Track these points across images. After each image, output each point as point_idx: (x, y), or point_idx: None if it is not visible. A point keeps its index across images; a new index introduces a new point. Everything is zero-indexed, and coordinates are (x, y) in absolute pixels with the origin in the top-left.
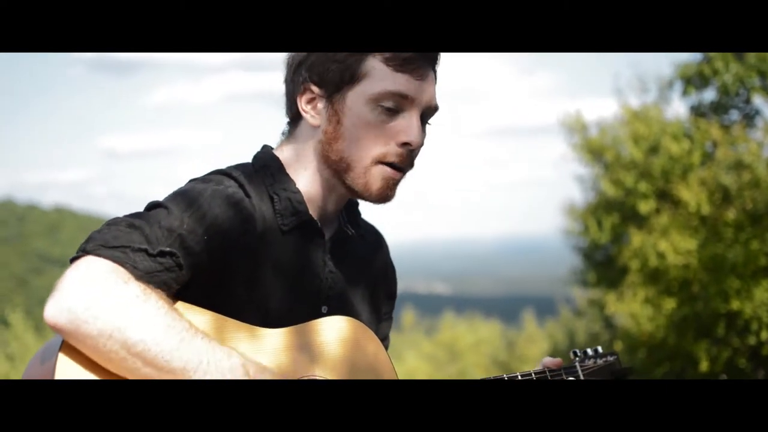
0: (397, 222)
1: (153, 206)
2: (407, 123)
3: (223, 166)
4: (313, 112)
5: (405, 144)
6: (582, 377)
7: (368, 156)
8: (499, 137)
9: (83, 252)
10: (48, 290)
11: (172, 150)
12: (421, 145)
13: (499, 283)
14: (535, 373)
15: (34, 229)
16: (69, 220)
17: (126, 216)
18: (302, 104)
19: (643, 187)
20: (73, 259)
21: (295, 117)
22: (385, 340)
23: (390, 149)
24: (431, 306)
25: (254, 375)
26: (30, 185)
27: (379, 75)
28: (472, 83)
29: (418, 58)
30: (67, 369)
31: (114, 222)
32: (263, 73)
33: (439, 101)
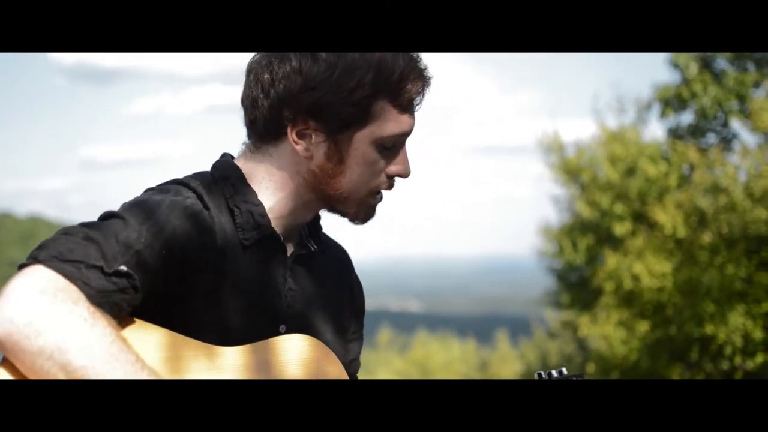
0: (373, 239)
1: (108, 216)
2: (402, 157)
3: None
4: (304, 143)
5: (398, 176)
6: None
7: (365, 190)
8: (478, 156)
9: (34, 260)
10: None
11: (151, 160)
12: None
13: (474, 303)
14: None
15: (8, 237)
16: (43, 228)
17: (82, 225)
18: (293, 135)
19: (618, 208)
20: (22, 266)
21: (273, 135)
22: (354, 361)
23: (382, 179)
24: (404, 324)
25: None
26: (7, 194)
27: (385, 116)
28: (453, 101)
29: (421, 92)
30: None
31: (69, 232)
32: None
33: (421, 119)
